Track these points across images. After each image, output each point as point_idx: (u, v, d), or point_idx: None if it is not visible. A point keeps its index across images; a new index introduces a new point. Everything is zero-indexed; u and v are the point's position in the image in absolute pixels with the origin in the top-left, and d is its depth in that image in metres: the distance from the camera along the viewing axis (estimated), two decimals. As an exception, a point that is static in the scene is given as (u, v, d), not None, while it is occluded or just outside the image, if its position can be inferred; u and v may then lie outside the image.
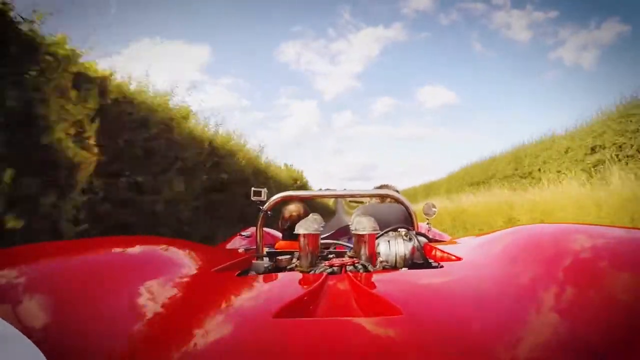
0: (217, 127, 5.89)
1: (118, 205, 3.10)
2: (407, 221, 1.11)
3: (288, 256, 0.86)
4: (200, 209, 4.71)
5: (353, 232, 0.81)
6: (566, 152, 6.64)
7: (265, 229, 1.05)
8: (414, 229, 0.94)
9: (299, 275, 0.64)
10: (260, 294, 0.56)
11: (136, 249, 0.64)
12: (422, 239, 0.89)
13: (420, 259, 0.81)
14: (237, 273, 0.70)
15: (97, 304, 0.42)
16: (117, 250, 0.62)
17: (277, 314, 0.41)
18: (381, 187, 1.65)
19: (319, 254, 0.83)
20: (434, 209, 1.36)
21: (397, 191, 1.43)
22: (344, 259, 0.78)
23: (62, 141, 2.43)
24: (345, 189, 1.12)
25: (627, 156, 5.24)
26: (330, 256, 0.89)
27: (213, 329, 0.40)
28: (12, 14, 2.28)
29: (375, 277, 0.61)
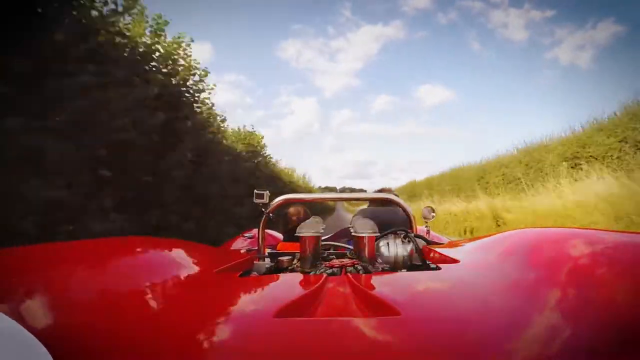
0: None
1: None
2: (406, 224, 1.12)
3: (289, 257, 0.87)
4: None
5: (353, 234, 0.82)
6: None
7: (267, 230, 1.06)
8: (412, 232, 0.95)
9: (300, 276, 0.65)
10: (262, 294, 0.57)
11: (139, 250, 0.64)
12: (421, 241, 0.90)
13: (418, 261, 0.82)
14: (239, 274, 0.71)
15: (100, 304, 0.43)
16: (120, 250, 0.62)
17: (277, 314, 0.42)
18: (381, 190, 1.66)
19: (319, 255, 0.84)
20: (432, 213, 1.37)
21: (397, 195, 1.44)
22: (343, 260, 0.79)
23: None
24: (345, 191, 1.14)
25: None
26: (331, 257, 0.90)
27: (215, 328, 0.41)
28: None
29: (374, 279, 0.62)
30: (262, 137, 7.96)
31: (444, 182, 11.28)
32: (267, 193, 0.98)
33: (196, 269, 0.64)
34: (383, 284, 0.59)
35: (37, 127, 1.86)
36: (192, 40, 4.06)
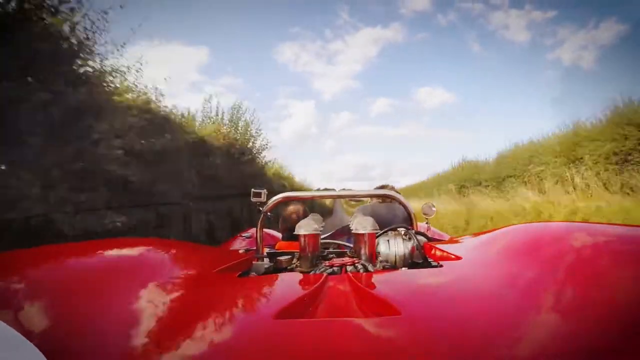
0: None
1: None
2: (406, 221, 1.12)
3: (288, 257, 0.86)
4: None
5: (353, 232, 0.81)
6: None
7: (265, 229, 1.05)
8: (413, 229, 0.94)
9: (300, 276, 0.65)
10: (261, 294, 0.56)
11: (137, 251, 0.64)
12: (422, 239, 0.89)
13: (419, 259, 0.82)
14: (238, 274, 0.70)
15: (98, 306, 0.42)
16: (119, 252, 0.62)
17: (277, 315, 0.41)
18: (381, 187, 1.65)
19: (319, 254, 0.83)
20: (433, 209, 1.37)
21: (397, 192, 1.43)
22: (344, 259, 0.78)
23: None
24: (344, 189, 1.13)
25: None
26: (331, 256, 0.89)
27: (214, 329, 0.41)
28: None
29: (375, 277, 0.61)
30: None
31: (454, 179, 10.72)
32: (264, 192, 0.97)
33: (194, 269, 0.64)
34: (384, 283, 0.58)
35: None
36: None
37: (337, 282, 0.58)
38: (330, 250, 1.03)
